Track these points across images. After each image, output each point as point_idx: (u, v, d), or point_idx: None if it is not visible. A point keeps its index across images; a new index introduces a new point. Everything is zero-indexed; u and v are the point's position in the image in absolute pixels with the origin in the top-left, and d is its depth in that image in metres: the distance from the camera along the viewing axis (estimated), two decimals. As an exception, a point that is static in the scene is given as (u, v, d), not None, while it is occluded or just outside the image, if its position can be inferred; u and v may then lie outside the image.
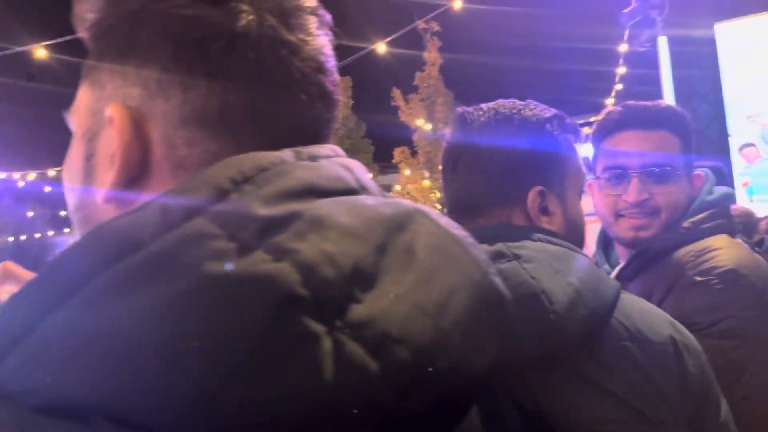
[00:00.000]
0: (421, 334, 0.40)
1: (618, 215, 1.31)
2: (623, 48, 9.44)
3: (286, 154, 0.48)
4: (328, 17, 0.58)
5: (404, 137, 24.42)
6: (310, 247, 0.39)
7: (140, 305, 0.36)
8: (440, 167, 1.03)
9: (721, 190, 1.36)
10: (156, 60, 0.49)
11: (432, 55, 22.99)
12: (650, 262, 1.28)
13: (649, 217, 1.28)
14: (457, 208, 0.99)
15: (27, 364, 0.36)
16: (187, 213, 0.40)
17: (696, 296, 1.14)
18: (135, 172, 0.49)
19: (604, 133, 1.35)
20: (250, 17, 0.50)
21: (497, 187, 0.94)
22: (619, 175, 1.30)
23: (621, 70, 10.48)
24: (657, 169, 1.27)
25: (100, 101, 0.52)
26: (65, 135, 0.58)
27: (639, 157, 1.28)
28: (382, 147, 28.94)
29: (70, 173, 0.55)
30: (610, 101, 12.49)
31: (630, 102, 1.36)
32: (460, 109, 1.03)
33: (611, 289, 0.86)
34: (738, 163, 13.53)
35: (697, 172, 1.35)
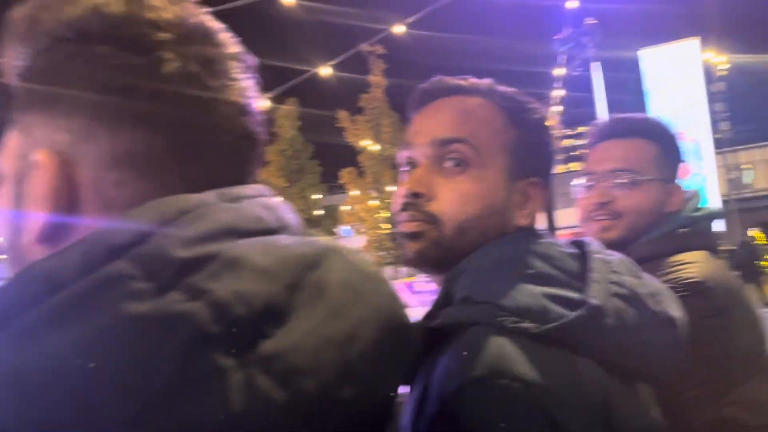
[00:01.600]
0: (328, 365, 0.44)
1: (588, 218, 1.39)
2: (559, 72, 9.82)
3: (209, 196, 0.50)
4: (251, 61, 0.60)
5: (351, 158, 24.56)
6: (223, 287, 0.42)
7: (62, 343, 0.38)
8: None
9: (706, 208, 1.40)
10: (83, 107, 0.50)
11: (377, 77, 23.28)
12: None
13: (611, 219, 1.34)
14: None
15: None
16: (108, 255, 0.42)
17: None
18: (64, 215, 0.51)
19: (589, 145, 1.46)
20: (174, 65, 0.52)
21: None
22: (589, 181, 1.40)
23: (558, 92, 10.86)
24: (620, 174, 1.34)
25: (29, 146, 0.53)
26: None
27: (606, 162, 1.36)
28: (330, 168, 28.91)
29: (2, 214, 0.56)
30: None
31: (615, 114, 1.46)
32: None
33: None
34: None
35: (680, 185, 1.40)
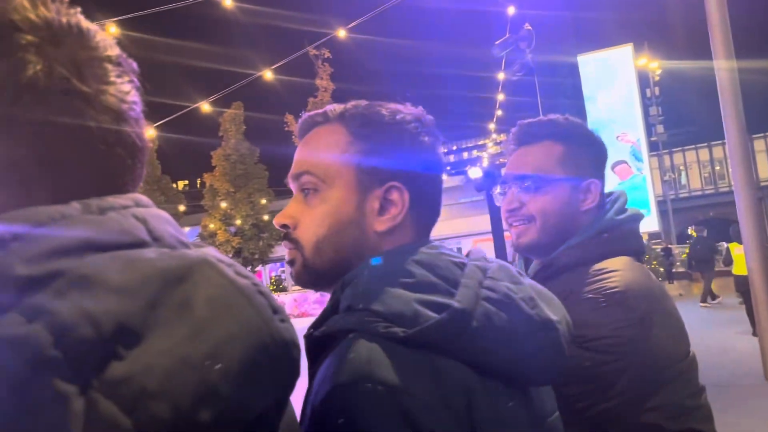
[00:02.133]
0: (183, 387, 0.41)
1: (509, 225, 1.44)
2: (501, 76, 10.06)
3: (72, 207, 0.47)
4: (132, 65, 0.57)
5: (299, 162, 24.34)
6: (69, 307, 0.39)
7: None
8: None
9: (631, 210, 1.40)
10: None
11: (324, 81, 23.34)
12: (553, 275, 1.34)
13: (525, 224, 1.37)
14: None
15: None
16: None
17: (583, 311, 1.18)
18: None
19: (506, 155, 1.50)
20: (38, 68, 0.48)
21: None
22: (502, 189, 1.46)
23: (500, 96, 11.13)
24: (525, 179, 1.37)
25: None
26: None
27: (514, 169, 1.40)
28: (277, 172, 28.73)
29: None
30: (492, 126, 13.27)
31: (522, 121, 1.47)
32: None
33: None
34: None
35: (596, 181, 1.39)
